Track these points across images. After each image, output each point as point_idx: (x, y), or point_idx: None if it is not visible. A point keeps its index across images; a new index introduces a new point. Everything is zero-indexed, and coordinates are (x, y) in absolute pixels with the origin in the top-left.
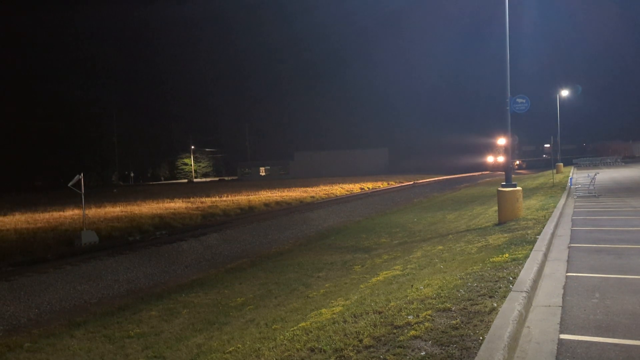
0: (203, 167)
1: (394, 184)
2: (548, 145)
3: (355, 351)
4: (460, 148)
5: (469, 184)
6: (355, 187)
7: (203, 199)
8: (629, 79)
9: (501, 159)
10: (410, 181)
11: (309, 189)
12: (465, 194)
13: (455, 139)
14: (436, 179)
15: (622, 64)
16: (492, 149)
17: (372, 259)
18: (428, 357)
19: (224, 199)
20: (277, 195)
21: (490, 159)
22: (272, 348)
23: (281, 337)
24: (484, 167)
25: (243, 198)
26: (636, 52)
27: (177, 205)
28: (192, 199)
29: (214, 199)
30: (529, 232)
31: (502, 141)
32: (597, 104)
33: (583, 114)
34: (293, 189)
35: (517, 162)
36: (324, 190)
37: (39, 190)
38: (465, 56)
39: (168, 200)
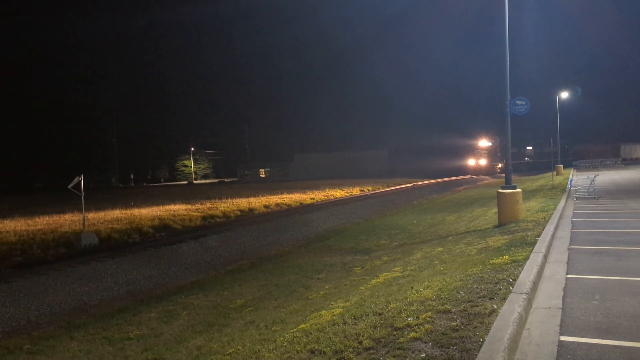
0: (203, 169)
1: (394, 187)
2: (530, 148)
3: (355, 353)
4: (442, 150)
5: (468, 185)
6: (354, 189)
7: (203, 201)
8: (612, 84)
9: (483, 162)
10: (407, 184)
11: (308, 191)
12: (464, 196)
13: (439, 141)
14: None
15: (601, 68)
16: (473, 151)
17: (372, 261)
18: (428, 359)
19: (224, 202)
20: (277, 198)
21: (471, 162)
22: (272, 350)
23: (281, 338)
24: (464, 170)
25: (243, 201)
26: (617, 57)
27: (177, 207)
28: (191, 201)
29: (213, 202)
30: (528, 234)
31: (484, 143)
32: (581, 107)
33: (565, 117)
34: (293, 192)
35: (500, 166)
36: (324, 192)
37: (39, 192)
38: (463, 59)
39: (168, 202)
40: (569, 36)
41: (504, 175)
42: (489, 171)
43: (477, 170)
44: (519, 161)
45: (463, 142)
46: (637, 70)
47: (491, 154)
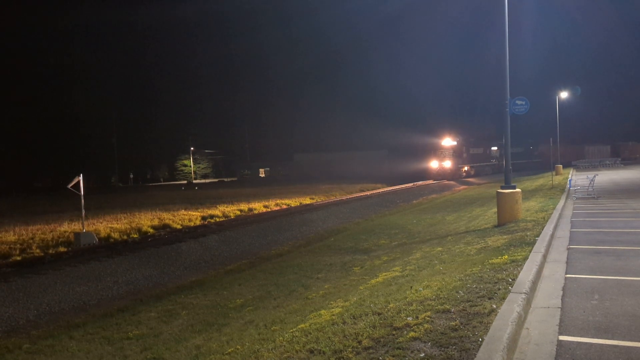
0: (202, 169)
1: (393, 187)
2: (495, 149)
3: (354, 352)
4: (400, 152)
5: (467, 186)
6: (354, 189)
7: (202, 202)
8: (583, 87)
9: (448, 164)
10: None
11: (307, 191)
12: (464, 196)
13: (397, 140)
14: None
15: (580, 72)
16: (435, 151)
17: (371, 261)
18: (427, 359)
19: (226, 206)
20: (277, 200)
21: (434, 164)
22: (271, 349)
23: (280, 338)
24: (425, 174)
25: (243, 204)
26: (596, 60)
27: (177, 207)
28: (192, 202)
29: (212, 202)
30: (528, 233)
31: (447, 142)
32: (550, 108)
33: (533, 118)
34: (292, 194)
35: (465, 169)
36: (323, 191)
37: (38, 192)
38: (462, 60)
39: (167, 202)
40: (543, 40)
41: (469, 179)
42: (454, 175)
43: (441, 174)
44: (485, 163)
45: (424, 141)
46: (607, 72)
47: (456, 154)
